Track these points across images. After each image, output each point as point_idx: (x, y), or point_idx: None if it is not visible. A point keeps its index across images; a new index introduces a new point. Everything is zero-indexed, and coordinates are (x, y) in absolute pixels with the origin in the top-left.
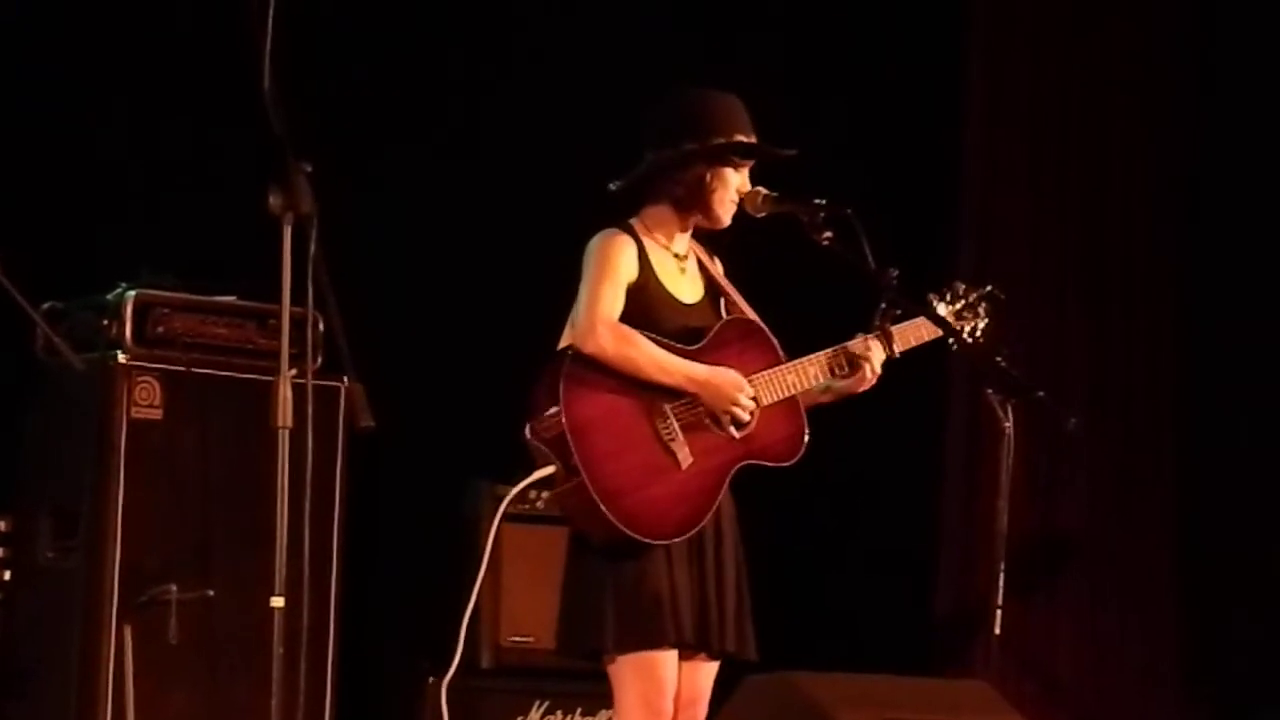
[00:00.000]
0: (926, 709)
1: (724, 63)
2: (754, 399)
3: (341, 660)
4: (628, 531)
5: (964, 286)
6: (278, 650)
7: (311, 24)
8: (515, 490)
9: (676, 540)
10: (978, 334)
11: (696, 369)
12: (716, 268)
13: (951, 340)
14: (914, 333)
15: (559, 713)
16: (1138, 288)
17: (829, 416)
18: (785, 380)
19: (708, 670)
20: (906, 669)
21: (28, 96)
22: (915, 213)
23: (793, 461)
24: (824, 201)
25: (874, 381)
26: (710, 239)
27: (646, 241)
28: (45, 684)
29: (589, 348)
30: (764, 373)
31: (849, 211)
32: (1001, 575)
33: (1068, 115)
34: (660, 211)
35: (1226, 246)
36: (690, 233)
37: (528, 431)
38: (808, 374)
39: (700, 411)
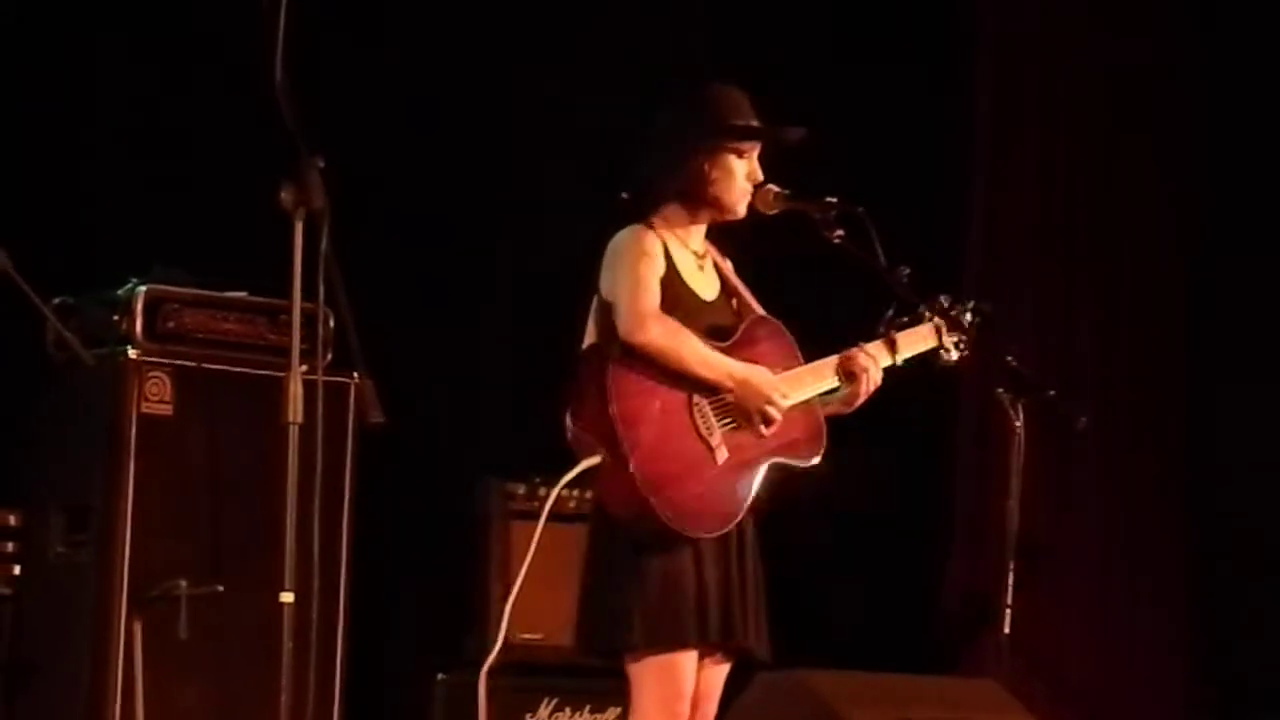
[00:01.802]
0: (937, 707)
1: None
2: (784, 398)
3: (350, 656)
4: (672, 525)
5: (950, 299)
6: (287, 645)
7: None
8: (563, 481)
9: (711, 536)
10: (962, 348)
11: (736, 366)
12: (727, 265)
13: (942, 351)
14: (918, 340)
15: (568, 710)
16: (1146, 287)
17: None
18: (806, 380)
19: (722, 669)
20: (917, 668)
21: (37, 91)
22: (924, 214)
23: (816, 460)
24: (836, 199)
25: (872, 393)
26: (723, 235)
27: (667, 238)
28: (56, 678)
29: (638, 339)
30: (789, 372)
31: (861, 210)
32: (1011, 575)
33: (1077, 114)
34: (673, 210)
35: (1236, 245)
36: (705, 229)
37: (569, 421)
38: (824, 375)
39: (733, 408)
